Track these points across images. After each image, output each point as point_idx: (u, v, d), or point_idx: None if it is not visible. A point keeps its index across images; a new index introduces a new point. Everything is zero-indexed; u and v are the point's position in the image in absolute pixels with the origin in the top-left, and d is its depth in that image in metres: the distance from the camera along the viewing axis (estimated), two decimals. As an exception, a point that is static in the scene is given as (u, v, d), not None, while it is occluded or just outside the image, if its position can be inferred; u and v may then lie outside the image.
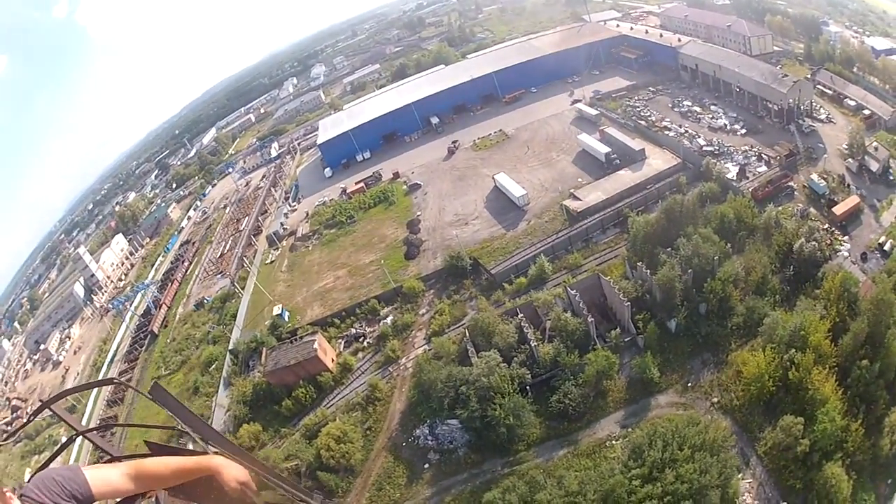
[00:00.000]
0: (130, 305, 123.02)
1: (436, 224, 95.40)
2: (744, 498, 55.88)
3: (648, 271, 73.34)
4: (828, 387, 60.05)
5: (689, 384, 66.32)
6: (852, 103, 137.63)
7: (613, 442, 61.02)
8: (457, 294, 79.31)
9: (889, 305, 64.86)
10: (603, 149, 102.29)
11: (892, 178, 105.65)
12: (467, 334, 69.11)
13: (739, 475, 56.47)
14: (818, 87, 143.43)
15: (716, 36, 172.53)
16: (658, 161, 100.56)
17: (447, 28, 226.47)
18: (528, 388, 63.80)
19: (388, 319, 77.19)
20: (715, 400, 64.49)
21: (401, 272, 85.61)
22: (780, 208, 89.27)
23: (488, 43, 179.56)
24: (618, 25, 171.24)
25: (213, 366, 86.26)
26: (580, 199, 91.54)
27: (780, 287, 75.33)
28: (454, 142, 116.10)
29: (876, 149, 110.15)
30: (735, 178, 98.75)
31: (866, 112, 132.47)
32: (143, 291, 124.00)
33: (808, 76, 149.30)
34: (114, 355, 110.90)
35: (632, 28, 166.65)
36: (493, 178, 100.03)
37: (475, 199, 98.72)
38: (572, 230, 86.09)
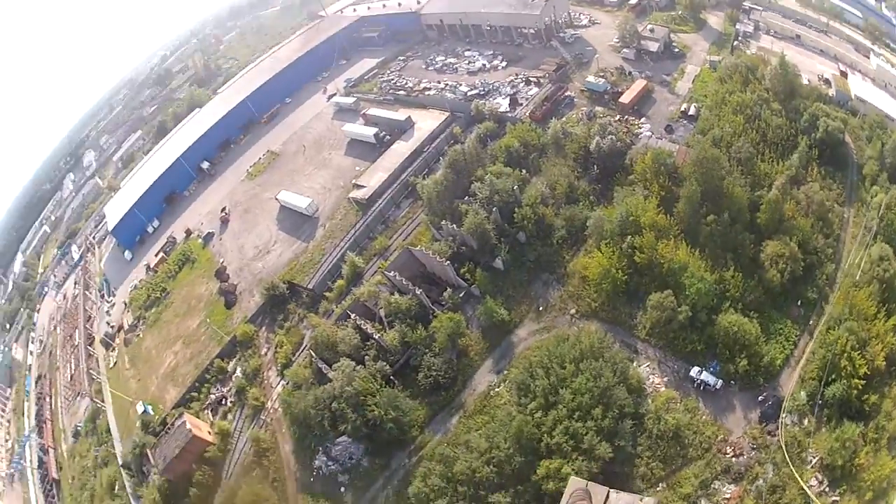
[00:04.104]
0: (26, 462, 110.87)
1: (241, 264, 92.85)
2: (650, 381, 57.59)
3: (454, 226, 73.58)
4: (681, 253, 62.58)
5: (541, 308, 67.44)
6: (615, 0, 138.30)
7: (496, 390, 61.22)
8: (287, 321, 78.45)
9: (715, 160, 66.91)
10: (370, 131, 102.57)
11: (676, 50, 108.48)
12: (313, 354, 67.91)
13: (633, 364, 58.21)
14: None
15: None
16: (427, 122, 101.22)
17: (194, 71, 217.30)
18: (391, 378, 63.14)
19: (238, 372, 75.57)
20: (573, 311, 65.79)
21: (228, 323, 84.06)
22: (563, 119, 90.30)
23: (234, 71, 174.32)
24: (354, 10, 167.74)
25: (116, 487, 79.89)
26: (364, 186, 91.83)
27: (590, 188, 77.54)
28: (223, 210, 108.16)
29: (652, 31, 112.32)
30: (509, 109, 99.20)
31: (632, 2, 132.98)
32: (27, 443, 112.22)
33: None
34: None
35: (369, 8, 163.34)
36: (276, 198, 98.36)
37: (268, 226, 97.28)
38: (367, 217, 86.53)
